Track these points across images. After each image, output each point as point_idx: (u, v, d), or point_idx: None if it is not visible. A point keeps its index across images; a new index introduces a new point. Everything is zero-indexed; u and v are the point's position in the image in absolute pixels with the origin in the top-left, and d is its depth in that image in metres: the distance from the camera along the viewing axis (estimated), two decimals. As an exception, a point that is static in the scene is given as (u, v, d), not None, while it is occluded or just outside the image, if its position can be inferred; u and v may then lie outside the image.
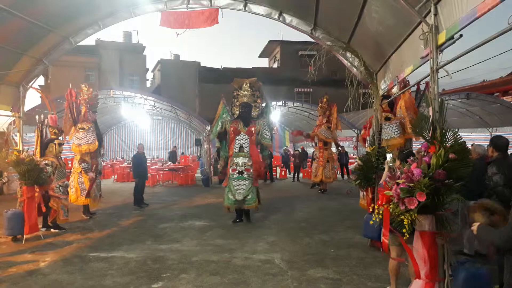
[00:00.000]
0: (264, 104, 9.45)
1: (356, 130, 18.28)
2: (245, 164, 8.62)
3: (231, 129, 8.88)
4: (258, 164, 8.77)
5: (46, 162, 7.76)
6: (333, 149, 14.85)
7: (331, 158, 13.73)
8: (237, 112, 9.09)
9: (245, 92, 9.01)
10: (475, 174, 4.28)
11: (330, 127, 13.38)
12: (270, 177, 17.35)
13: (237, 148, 8.81)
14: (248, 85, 9.02)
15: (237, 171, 8.60)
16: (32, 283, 4.97)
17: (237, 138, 8.85)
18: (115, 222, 8.71)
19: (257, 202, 8.68)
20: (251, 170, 8.63)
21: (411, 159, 3.69)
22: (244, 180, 8.55)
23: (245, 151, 8.77)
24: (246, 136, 8.82)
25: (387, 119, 6.81)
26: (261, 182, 16.71)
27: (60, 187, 8.13)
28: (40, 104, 15.44)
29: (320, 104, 13.93)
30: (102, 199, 10.52)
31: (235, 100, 9.15)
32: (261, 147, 9.25)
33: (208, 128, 17.76)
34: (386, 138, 6.70)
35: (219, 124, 9.12)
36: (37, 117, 8.24)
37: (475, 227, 3.02)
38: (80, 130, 9.05)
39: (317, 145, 13.84)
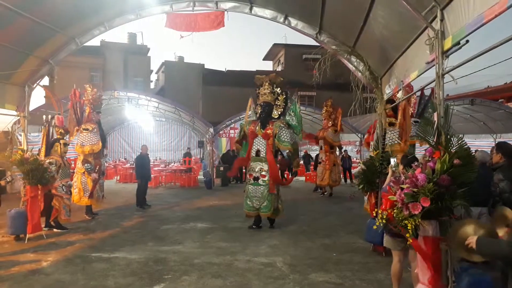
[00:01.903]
0: (288, 102, 8.55)
1: (359, 135, 18.26)
2: (261, 170, 8.05)
3: (249, 131, 8.36)
4: (274, 170, 8.03)
5: (50, 161, 7.79)
6: (337, 152, 14.84)
7: (337, 161, 13.70)
8: (258, 113, 8.49)
9: (265, 91, 8.33)
10: (480, 180, 4.26)
11: (337, 130, 13.37)
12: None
13: (254, 152, 8.25)
14: (268, 82, 8.35)
15: (253, 177, 8.15)
16: (34, 282, 4.99)
17: (254, 141, 8.28)
18: (117, 223, 8.73)
19: (272, 210, 8.00)
20: (267, 177, 8.02)
21: (416, 164, 3.69)
22: (259, 187, 8.04)
23: (261, 155, 8.15)
24: (263, 139, 8.19)
25: (391, 124, 6.80)
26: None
27: (63, 187, 8.15)
28: (45, 104, 15.52)
29: (325, 108, 13.90)
30: (104, 200, 10.55)
31: (257, 100, 8.59)
32: (290, 152, 8.37)
33: (211, 130, 17.78)
34: (390, 143, 6.68)
35: (240, 128, 8.74)
36: (44, 117, 8.28)
37: (473, 240, 2.80)
38: (84, 131, 9.08)
39: (323, 148, 13.82)
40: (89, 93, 9.52)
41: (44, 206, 7.64)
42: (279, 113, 8.40)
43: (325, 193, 13.81)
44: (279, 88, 8.40)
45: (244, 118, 8.86)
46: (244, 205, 8.29)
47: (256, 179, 8.08)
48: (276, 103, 8.40)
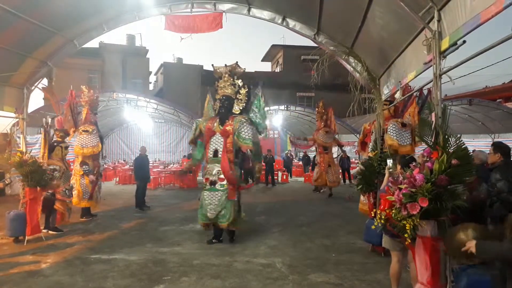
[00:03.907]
0: (251, 97, 7.54)
1: (358, 135, 18.28)
2: (219, 173, 7.01)
3: (206, 129, 7.33)
4: (227, 173, 6.92)
5: (54, 167, 7.77)
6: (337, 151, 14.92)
7: (333, 162, 13.72)
8: (217, 108, 7.49)
9: (225, 83, 7.34)
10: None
11: (328, 131, 13.47)
12: (272, 181, 17.35)
13: (211, 153, 7.22)
14: (228, 73, 7.33)
15: (209, 181, 7.07)
16: (33, 284, 4.98)
17: (212, 140, 7.23)
18: (116, 225, 8.71)
19: (231, 219, 6.89)
20: (226, 180, 7.00)
21: (414, 164, 3.70)
22: (216, 192, 6.96)
23: (219, 156, 7.10)
24: (221, 137, 7.15)
25: (404, 125, 6.80)
26: (263, 186, 16.82)
27: (66, 191, 8.17)
28: (44, 105, 15.50)
29: (317, 109, 14.09)
30: (102, 201, 10.54)
31: (216, 94, 7.56)
32: (252, 151, 7.33)
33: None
34: (403, 144, 6.65)
35: (194, 126, 7.74)
36: (44, 119, 8.27)
37: (472, 244, 2.82)
38: (84, 133, 9.06)
39: (317, 150, 13.92)
40: (86, 95, 9.51)
41: (46, 209, 7.65)
42: (241, 108, 7.38)
43: (321, 191, 13.89)
44: (240, 80, 7.41)
45: (204, 116, 7.94)
46: (198, 215, 7.25)
47: (213, 183, 7.03)
48: (237, 96, 7.39)
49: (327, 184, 13.35)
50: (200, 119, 7.81)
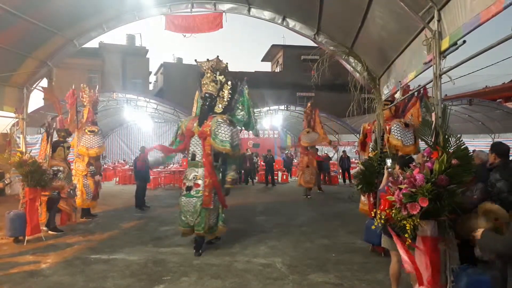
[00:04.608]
0: (235, 93, 6.88)
1: (358, 135, 18.28)
2: (195, 178, 6.44)
3: (186, 130, 6.78)
4: (212, 178, 6.43)
5: (58, 168, 7.77)
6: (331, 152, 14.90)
7: (312, 163, 13.60)
8: (199, 107, 6.97)
9: (207, 80, 6.74)
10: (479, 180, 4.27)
11: (309, 131, 13.54)
12: (272, 181, 17.35)
13: (190, 156, 6.70)
14: (210, 69, 6.73)
15: (186, 186, 6.53)
16: (33, 284, 4.98)
17: (191, 142, 6.71)
18: (116, 225, 8.71)
19: (206, 228, 6.37)
20: (201, 186, 6.38)
21: (414, 164, 3.70)
22: (191, 199, 6.40)
23: (197, 159, 6.55)
24: (199, 139, 6.59)
25: (407, 125, 6.81)
26: (263, 186, 16.83)
27: (71, 191, 8.19)
28: (44, 105, 15.50)
29: (305, 110, 14.23)
30: (102, 201, 10.53)
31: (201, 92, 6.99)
32: (229, 155, 6.61)
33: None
34: (406, 144, 6.66)
35: (177, 127, 7.19)
36: (46, 120, 8.27)
37: (479, 232, 3.04)
38: (90, 133, 9.05)
39: (300, 150, 14.22)
40: (88, 94, 9.50)
41: (50, 209, 7.66)
42: (224, 106, 6.78)
43: (306, 195, 13.80)
44: (222, 76, 6.79)
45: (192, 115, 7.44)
46: (178, 221, 6.77)
47: (188, 189, 6.47)
48: (220, 94, 6.78)
49: (302, 184, 13.41)
50: (184, 119, 7.28)
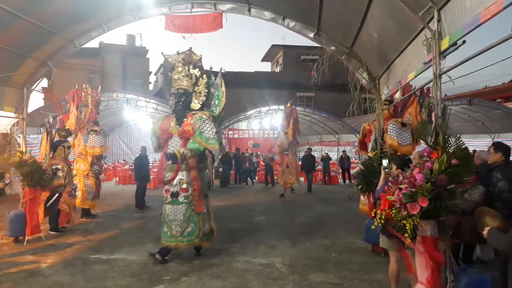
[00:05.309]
0: (211, 87, 6.33)
1: (358, 135, 18.29)
2: (180, 182, 5.90)
3: (161, 130, 6.26)
4: (199, 182, 5.97)
5: (57, 166, 7.77)
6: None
7: (292, 163, 13.57)
8: (172, 105, 6.41)
9: (179, 75, 6.20)
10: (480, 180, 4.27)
11: (286, 132, 13.44)
12: (272, 181, 17.36)
13: (170, 158, 5.98)
14: (181, 62, 6.19)
15: (170, 193, 5.93)
16: (33, 284, 4.98)
17: (169, 142, 6.17)
18: (116, 225, 8.72)
19: (200, 235, 5.96)
20: (190, 190, 5.90)
21: (414, 164, 3.70)
22: (179, 206, 5.86)
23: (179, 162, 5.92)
24: (180, 139, 6.09)
25: (404, 125, 6.80)
26: (263, 186, 16.84)
27: (72, 191, 8.19)
28: (44, 105, 15.51)
29: (284, 109, 14.13)
30: (102, 201, 10.54)
31: (171, 88, 6.45)
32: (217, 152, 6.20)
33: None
34: (403, 144, 6.65)
35: (151, 129, 6.58)
36: (46, 119, 8.27)
37: (486, 231, 3.13)
38: (92, 132, 9.06)
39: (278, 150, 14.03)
40: (90, 94, 9.50)
41: (51, 209, 7.67)
42: (202, 102, 6.27)
43: (281, 194, 13.78)
44: (197, 69, 6.25)
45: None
46: (161, 235, 6.09)
47: (174, 195, 5.89)
48: (195, 89, 6.25)
49: (281, 183, 13.43)
50: (155, 119, 6.70)
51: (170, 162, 5.98)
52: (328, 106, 24.20)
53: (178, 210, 5.87)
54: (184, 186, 5.91)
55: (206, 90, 6.29)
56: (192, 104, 6.26)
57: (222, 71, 6.47)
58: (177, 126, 6.05)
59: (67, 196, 8.00)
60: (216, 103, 6.40)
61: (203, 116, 5.96)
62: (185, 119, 6.04)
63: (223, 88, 6.39)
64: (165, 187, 6.02)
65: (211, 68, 6.45)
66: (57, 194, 7.63)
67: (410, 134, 6.68)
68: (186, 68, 6.21)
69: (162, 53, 6.34)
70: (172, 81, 6.31)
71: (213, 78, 6.39)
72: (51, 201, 7.52)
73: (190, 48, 6.19)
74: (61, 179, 7.68)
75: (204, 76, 6.29)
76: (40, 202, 7.37)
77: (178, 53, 6.18)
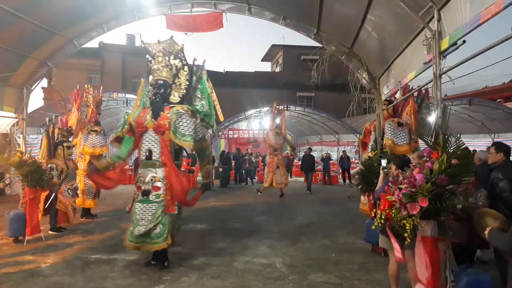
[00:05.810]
0: (193, 80, 5.97)
1: (358, 135, 18.30)
2: (153, 180, 5.50)
3: (136, 123, 5.73)
4: (176, 179, 5.49)
5: (51, 165, 7.76)
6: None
7: (282, 164, 13.38)
8: (150, 97, 6.03)
9: (158, 65, 5.77)
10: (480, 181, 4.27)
11: (279, 132, 13.23)
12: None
13: (144, 154, 5.64)
14: (161, 52, 5.78)
15: (142, 191, 5.52)
16: (33, 284, 4.97)
17: (144, 137, 5.69)
18: (116, 225, 8.70)
19: (168, 238, 5.44)
20: (162, 189, 5.48)
21: (413, 164, 3.70)
22: (150, 205, 5.46)
23: (154, 158, 5.56)
24: (155, 134, 5.61)
25: (400, 124, 6.78)
26: (262, 186, 16.82)
27: (69, 190, 8.16)
28: (44, 105, 15.52)
29: (271, 109, 13.77)
30: (102, 201, 10.53)
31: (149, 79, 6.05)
32: (198, 152, 5.86)
33: (210, 131, 17.73)
34: (399, 144, 6.63)
35: (121, 121, 6.14)
36: (47, 119, 8.27)
37: (487, 231, 3.11)
38: (92, 132, 9.05)
39: (268, 150, 13.66)
40: (91, 94, 9.50)
41: (49, 209, 7.66)
42: (181, 95, 5.89)
43: (260, 193, 13.65)
44: (178, 60, 5.88)
45: (133, 107, 6.46)
46: (127, 234, 5.63)
47: (145, 193, 5.49)
48: (176, 81, 5.88)
49: (273, 185, 13.09)
50: (130, 111, 6.27)
51: (144, 158, 5.67)
52: (328, 106, 24.20)
53: (148, 210, 5.48)
54: (157, 184, 5.50)
55: (187, 83, 5.93)
56: (172, 97, 5.85)
57: (204, 62, 6.21)
58: (153, 119, 5.59)
59: (61, 196, 7.96)
60: (199, 96, 6.08)
61: (180, 111, 5.55)
62: (162, 113, 5.58)
63: (210, 84, 6.17)
64: (137, 184, 5.66)
65: (194, 60, 6.11)
66: (53, 194, 7.63)
67: (407, 134, 6.67)
68: (167, 58, 5.81)
69: (142, 41, 6.04)
70: (152, 72, 5.88)
71: (195, 70, 6.06)
72: (49, 200, 7.52)
73: (172, 36, 5.79)
74: (55, 178, 7.66)
75: (186, 68, 5.92)
76: (40, 202, 7.38)
77: (158, 42, 5.79)
